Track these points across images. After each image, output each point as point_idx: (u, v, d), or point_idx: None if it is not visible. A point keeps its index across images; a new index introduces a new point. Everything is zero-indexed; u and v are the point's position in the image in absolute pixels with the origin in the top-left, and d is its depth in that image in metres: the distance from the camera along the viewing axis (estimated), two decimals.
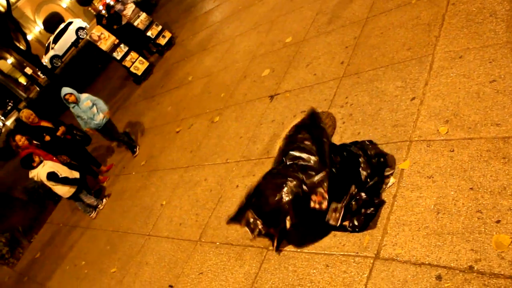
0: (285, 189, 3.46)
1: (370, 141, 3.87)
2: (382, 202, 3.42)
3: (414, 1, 4.98)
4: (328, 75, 5.31)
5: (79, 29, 30.10)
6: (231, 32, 9.07)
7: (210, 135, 6.52)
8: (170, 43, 11.97)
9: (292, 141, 3.80)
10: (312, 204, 3.42)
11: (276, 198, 3.49)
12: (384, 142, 3.88)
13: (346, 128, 4.38)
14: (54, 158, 7.54)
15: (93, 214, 7.72)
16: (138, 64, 11.62)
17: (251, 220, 3.67)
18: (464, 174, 3.15)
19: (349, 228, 3.45)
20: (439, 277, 2.78)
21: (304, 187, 3.44)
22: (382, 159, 3.64)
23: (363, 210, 3.40)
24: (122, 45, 11.17)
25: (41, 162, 7.08)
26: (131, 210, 6.85)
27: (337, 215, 3.48)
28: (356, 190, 3.48)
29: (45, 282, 7.51)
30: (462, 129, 3.42)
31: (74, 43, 29.20)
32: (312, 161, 3.49)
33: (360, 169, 3.58)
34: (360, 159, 3.64)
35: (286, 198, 3.44)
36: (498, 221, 2.77)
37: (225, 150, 5.83)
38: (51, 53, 29.44)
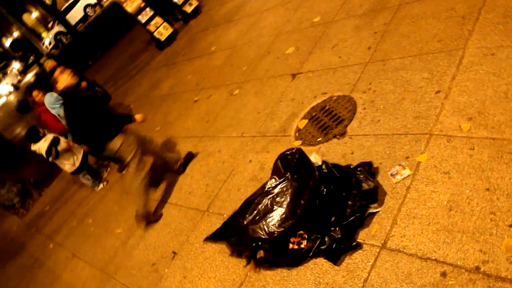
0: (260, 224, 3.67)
1: (369, 164, 3.75)
2: (356, 246, 3.31)
3: None
4: (353, 59, 5.23)
5: (87, 6, 29.74)
6: (259, 6, 8.95)
7: (228, 108, 6.50)
8: (196, 11, 11.86)
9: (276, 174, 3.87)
10: (290, 246, 3.52)
11: (250, 232, 3.73)
12: (403, 132, 3.82)
13: (366, 115, 4.32)
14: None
15: (98, 188, 7.75)
16: (162, 30, 11.56)
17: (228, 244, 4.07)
18: (482, 174, 3.10)
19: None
20: (443, 274, 2.75)
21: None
22: (373, 195, 3.51)
23: (334, 245, 3.36)
24: (147, 9, 11.12)
25: (44, 135, 6.96)
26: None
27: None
28: (334, 222, 3.45)
29: (52, 235, 7.65)
30: (485, 128, 3.35)
31: (82, 20, 28.82)
32: (278, 216, 3.61)
33: (348, 201, 3.52)
34: (350, 189, 3.59)
35: (260, 233, 3.63)
36: (511, 225, 2.73)
37: (242, 124, 5.80)
38: (56, 29, 29.28)
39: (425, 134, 3.67)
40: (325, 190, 3.57)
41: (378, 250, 3.17)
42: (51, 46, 29.49)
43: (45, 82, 7.45)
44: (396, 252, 3.08)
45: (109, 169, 7.98)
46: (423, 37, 4.67)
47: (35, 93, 7.29)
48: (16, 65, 37.41)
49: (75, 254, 6.46)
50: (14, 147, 7.31)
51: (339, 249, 3.33)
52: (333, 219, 3.45)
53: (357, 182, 3.60)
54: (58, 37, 28.89)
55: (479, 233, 2.81)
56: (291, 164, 3.75)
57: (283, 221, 3.55)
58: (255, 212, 3.82)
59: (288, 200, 3.60)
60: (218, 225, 4.53)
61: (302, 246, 3.47)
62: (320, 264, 3.40)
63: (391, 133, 3.92)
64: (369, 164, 3.75)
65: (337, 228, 3.39)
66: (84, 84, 7.77)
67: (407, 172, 3.48)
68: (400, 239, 3.13)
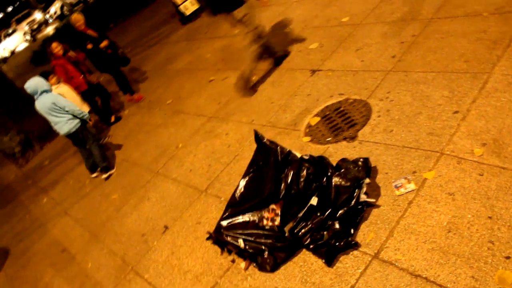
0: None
1: (366, 160, 3.77)
2: (355, 245, 3.30)
3: (485, 14, 4.78)
4: (376, 65, 5.17)
5: None
6: None
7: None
8: None
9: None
10: (264, 222, 3.59)
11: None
12: (414, 146, 3.79)
13: (380, 122, 4.28)
14: (81, 77, 7.52)
15: None
16: (188, 4, 11.48)
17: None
18: (486, 202, 3.06)
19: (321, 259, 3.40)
20: None
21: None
22: (360, 181, 3.56)
23: (332, 242, 3.34)
24: None
25: (58, 83, 6.88)
26: (146, 144, 6.89)
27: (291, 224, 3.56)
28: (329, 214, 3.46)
29: (47, 189, 7.68)
30: (498, 157, 3.30)
31: None
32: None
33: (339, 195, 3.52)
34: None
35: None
36: (507, 257, 2.70)
37: (253, 111, 5.77)
38: None
39: (436, 152, 3.63)
40: (305, 171, 3.63)
41: (370, 259, 3.15)
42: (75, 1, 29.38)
43: (67, 35, 7.45)
44: (388, 264, 3.05)
45: (107, 138, 7.96)
46: (449, 55, 4.61)
47: (54, 45, 7.27)
48: (37, 16, 37.31)
49: (67, 212, 6.47)
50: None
51: (335, 248, 3.31)
52: (328, 211, 3.45)
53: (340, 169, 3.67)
54: (64, 8, 28.62)
55: (474, 259, 2.78)
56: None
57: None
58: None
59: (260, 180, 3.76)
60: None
61: (276, 223, 3.55)
62: (310, 262, 3.39)
63: (402, 145, 3.89)
64: (366, 160, 3.75)
65: (335, 222, 3.39)
66: (106, 42, 7.78)
67: (411, 186, 3.46)
68: (394, 252, 3.10)
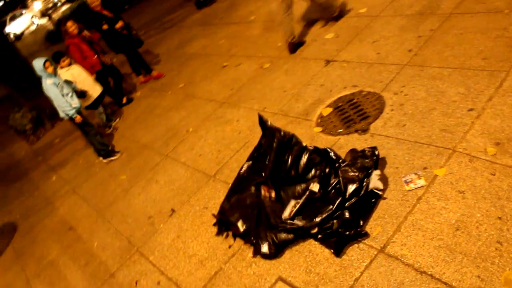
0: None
1: (374, 148, 3.75)
2: (365, 235, 3.30)
3: (507, 11, 4.69)
4: (391, 58, 5.12)
5: None
6: None
7: (255, 80, 6.43)
8: None
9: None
10: (262, 192, 3.71)
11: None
12: (426, 142, 3.75)
13: (393, 116, 4.24)
14: (95, 57, 7.52)
15: (107, 131, 7.74)
16: None
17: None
18: (497, 202, 3.02)
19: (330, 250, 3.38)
20: None
21: None
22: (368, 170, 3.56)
23: (340, 230, 3.34)
24: None
25: (69, 65, 6.88)
26: (156, 127, 6.90)
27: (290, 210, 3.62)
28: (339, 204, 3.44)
29: (56, 168, 7.72)
30: (511, 157, 3.26)
31: None
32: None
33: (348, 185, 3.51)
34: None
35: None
36: None
37: (266, 99, 5.74)
38: None
39: (448, 149, 3.59)
40: (306, 156, 3.78)
41: (375, 253, 3.14)
42: None
43: (82, 15, 7.44)
44: (394, 258, 3.04)
45: (118, 119, 7.98)
46: (467, 51, 4.54)
47: (69, 24, 7.26)
48: None
49: (75, 191, 6.51)
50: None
51: (344, 237, 3.30)
52: (338, 200, 3.42)
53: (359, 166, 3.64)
54: None
55: (481, 259, 2.75)
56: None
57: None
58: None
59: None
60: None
61: (272, 195, 3.73)
62: (315, 253, 3.38)
63: (414, 140, 3.85)
64: (373, 148, 3.73)
65: (344, 211, 3.38)
66: (121, 22, 7.77)
67: (421, 182, 3.42)
68: (400, 247, 3.09)
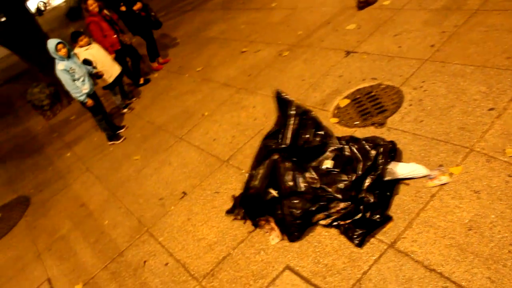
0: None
1: (392, 143, 3.74)
2: (389, 218, 3.30)
3: None
4: (413, 52, 5.04)
5: None
6: None
7: (273, 67, 6.40)
8: None
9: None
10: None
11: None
12: (443, 139, 3.70)
13: (411, 111, 4.19)
14: (114, 36, 7.51)
15: (123, 110, 7.80)
16: None
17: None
18: None
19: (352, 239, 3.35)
20: None
21: None
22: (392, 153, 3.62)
23: (367, 215, 3.31)
24: None
25: (89, 44, 6.88)
26: (172, 109, 6.91)
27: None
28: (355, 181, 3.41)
29: (71, 145, 7.79)
30: None
31: None
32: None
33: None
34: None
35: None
36: None
37: (283, 87, 5.69)
38: None
39: (465, 148, 3.54)
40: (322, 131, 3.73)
41: (385, 248, 3.12)
42: None
43: None
44: (403, 254, 3.02)
45: (135, 98, 8.00)
46: (492, 49, 4.45)
47: (90, 1, 7.25)
48: None
49: (89, 169, 6.56)
50: None
51: (372, 222, 3.28)
52: (367, 182, 3.40)
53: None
54: None
55: (492, 260, 2.72)
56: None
57: None
58: None
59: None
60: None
61: None
62: (324, 244, 3.38)
63: (431, 136, 3.80)
64: (392, 142, 3.72)
65: (369, 194, 3.36)
66: (139, 4, 7.76)
67: (445, 179, 3.35)
68: (410, 243, 3.06)
